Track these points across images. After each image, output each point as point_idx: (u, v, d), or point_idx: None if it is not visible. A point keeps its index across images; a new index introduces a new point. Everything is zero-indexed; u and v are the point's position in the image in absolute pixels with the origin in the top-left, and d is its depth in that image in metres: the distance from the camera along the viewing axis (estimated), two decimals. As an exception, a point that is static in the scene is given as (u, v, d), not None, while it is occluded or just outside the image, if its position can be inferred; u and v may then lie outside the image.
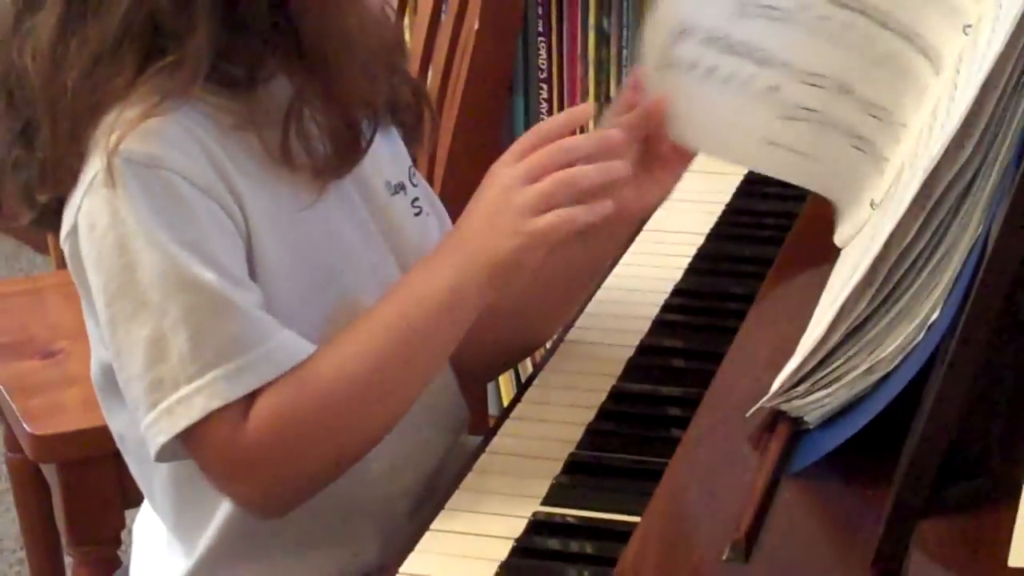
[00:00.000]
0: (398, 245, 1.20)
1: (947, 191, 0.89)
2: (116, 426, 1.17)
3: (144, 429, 1.05)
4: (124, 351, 1.05)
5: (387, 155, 1.21)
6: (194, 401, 1.03)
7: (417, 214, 1.23)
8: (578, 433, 1.12)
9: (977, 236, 0.86)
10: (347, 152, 1.11)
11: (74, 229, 1.06)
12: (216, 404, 1.03)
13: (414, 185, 1.24)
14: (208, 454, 1.07)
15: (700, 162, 1.54)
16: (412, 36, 1.89)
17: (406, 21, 1.96)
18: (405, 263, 1.20)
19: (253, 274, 1.09)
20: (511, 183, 1.06)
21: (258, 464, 1.07)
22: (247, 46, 1.07)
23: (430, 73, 1.79)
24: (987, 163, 0.87)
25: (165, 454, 1.05)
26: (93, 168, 1.04)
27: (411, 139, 1.26)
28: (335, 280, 1.15)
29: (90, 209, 1.05)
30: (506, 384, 2.45)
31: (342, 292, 1.15)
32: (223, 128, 1.07)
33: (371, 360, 1.08)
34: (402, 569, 0.99)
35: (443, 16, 1.77)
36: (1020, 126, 0.85)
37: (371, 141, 1.14)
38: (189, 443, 1.05)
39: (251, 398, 1.05)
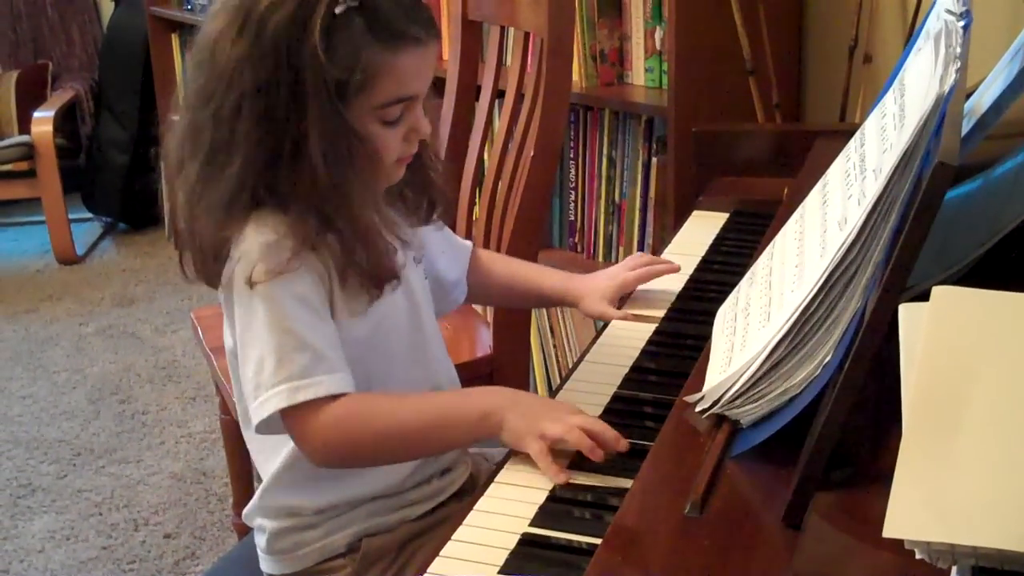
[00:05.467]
0: (413, 295, 1.19)
1: (838, 280, 0.88)
2: (240, 405, 1.15)
3: (250, 412, 1.06)
4: (244, 361, 1.06)
5: (415, 239, 1.20)
6: (272, 402, 1.04)
7: (426, 277, 1.24)
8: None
9: (857, 309, 0.86)
10: (388, 276, 1.10)
11: (227, 284, 1.08)
12: (283, 405, 1.04)
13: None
14: (291, 430, 1.07)
15: (675, 246, 1.53)
16: (489, 158, 1.90)
17: (487, 148, 1.96)
18: (415, 306, 1.19)
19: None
20: (566, 412, 1.03)
21: (318, 446, 1.07)
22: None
23: (500, 183, 1.79)
24: (865, 261, 0.87)
25: (262, 429, 1.06)
26: (239, 249, 1.05)
27: (446, 220, 1.28)
28: (379, 327, 1.14)
29: (233, 275, 1.06)
30: (541, 383, 2.45)
31: (380, 335, 1.14)
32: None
33: (413, 422, 1.07)
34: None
35: (510, 145, 1.77)
36: (887, 240, 0.84)
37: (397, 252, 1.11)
38: (284, 421, 1.06)
39: (323, 402, 1.04)
